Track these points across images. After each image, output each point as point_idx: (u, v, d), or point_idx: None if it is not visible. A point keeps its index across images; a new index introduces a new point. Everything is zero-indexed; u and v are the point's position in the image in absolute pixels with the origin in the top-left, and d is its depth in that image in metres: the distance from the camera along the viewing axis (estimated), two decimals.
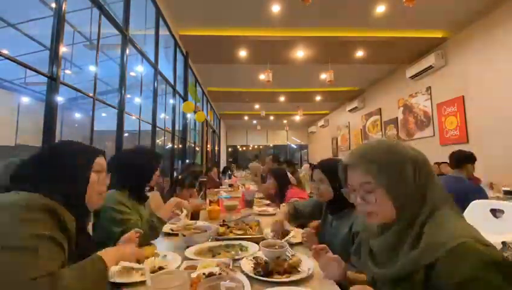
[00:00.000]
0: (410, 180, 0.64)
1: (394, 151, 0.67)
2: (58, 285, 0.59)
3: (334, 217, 1.37)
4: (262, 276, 0.92)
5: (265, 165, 4.01)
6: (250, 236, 1.38)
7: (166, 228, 1.52)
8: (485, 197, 2.22)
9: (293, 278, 0.91)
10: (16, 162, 1.31)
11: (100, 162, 0.89)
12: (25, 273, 0.57)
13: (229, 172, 7.40)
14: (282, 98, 8.53)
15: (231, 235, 1.41)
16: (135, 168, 1.46)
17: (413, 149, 0.69)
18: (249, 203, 2.25)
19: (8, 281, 0.56)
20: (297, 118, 10.82)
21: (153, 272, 0.88)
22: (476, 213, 1.87)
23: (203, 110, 6.73)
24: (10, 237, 0.61)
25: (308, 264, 1.00)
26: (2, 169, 1.39)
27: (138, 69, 3.65)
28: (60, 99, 1.85)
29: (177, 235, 1.43)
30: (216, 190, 3.79)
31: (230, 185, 4.28)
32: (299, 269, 0.97)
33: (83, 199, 0.82)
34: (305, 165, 6.56)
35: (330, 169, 1.33)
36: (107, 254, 0.78)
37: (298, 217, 1.62)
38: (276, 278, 0.90)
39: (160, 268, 0.97)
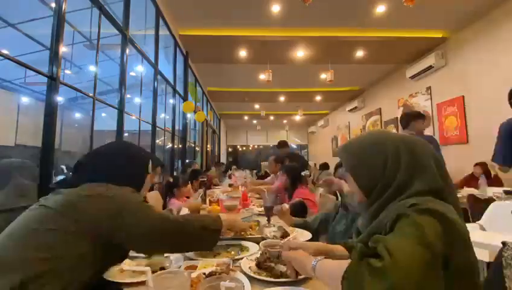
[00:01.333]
0: (378, 168, 0.68)
1: (369, 142, 0.73)
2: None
3: (342, 215, 1.40)
4: (260, 275, 0.92)
5: (268, 166, 3.98)
6: (250, 236, 1.38)
7: None
8: (437, 146, 2.24)
9: (293, 278, 0.90)
10: (10, 164, 1.34)
11: (150, 164, 1.03)
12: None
13: (229, 171, 7.39)
14: (282, 98, 8.53)
15: (231, 235, 1.41)
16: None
17: (398, 141, 0.70)
18: (268, 210, 1.76)
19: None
20: (297, 118, 10.83)
21: (153, 272, 0.88)
22: (496, 214, 1.88)
23: (203, 110, 6.73)
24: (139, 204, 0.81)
25: None
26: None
27: (138, 69, 3.65)
28: (60, 99, 1.85)
29: None
30: (214, 189, 3.76)
31: (230, 185, 4.28)
32: None
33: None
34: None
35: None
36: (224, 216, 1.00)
37: (306, 229, 1.62)
38: (276, 278, 0.90)
39: (162, 268, 0.97)
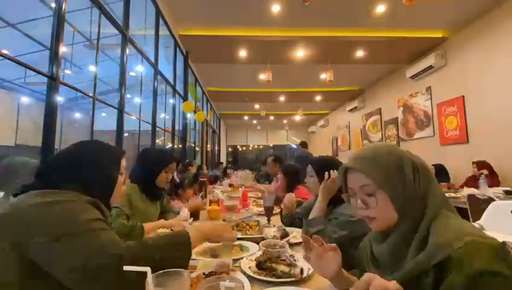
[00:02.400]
0: (411, 183, 0.63)
1: (393, 154, 0.67)
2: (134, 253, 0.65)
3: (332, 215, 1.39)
4: (260, 275, 0.92)
5: (266, 167, 3.95)
6: (250, 236, 1.38)
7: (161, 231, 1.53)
8: None
9: (293, 278, 0.91)
10: (14, 162, 1.30)
11: (123, 163, 0.89)
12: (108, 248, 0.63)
13: (228, 171, 7.40)
14: (282, 98, 8.53)
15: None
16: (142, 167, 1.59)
17: (411, 153, 0.69)
18: (268, 210, 1.78)
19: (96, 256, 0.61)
20: (297, 117, 10.83)
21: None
22: (496, 214, 1.88)
23: (203, 110, 6.73)
24: (74, 224, 0.64)
25: (308, 264, 1.00)
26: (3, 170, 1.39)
27: (138, 69, 3.66)
28: (60, 99, 1.85)
29: None
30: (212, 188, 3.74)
31: (230, 185, 4.27)
32: (299, 268, 0.97)
33: (109, 199, 0.83)
34: None
35: (320, 162, 1.44)
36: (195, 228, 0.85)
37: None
38: (276, 278, 0.90)
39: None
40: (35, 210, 0.64)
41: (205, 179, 2.77)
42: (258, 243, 1.20)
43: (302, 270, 0.94)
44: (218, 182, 4.66)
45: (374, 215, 0.66)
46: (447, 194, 3.30)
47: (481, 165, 3.75)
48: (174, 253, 0.73)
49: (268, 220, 1.70)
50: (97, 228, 0.66)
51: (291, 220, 1.65)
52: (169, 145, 4.84)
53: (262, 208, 2.28)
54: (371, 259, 0.73)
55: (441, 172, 4.29)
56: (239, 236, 1.40)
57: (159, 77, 3.94)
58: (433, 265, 0.55)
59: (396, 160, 0.66)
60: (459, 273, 0.50)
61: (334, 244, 0.77)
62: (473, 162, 3.87)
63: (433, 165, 4.50)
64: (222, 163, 9.77)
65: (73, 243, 0.61)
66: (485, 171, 3.59)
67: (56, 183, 0.72)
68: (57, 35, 1.82)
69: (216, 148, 11.03)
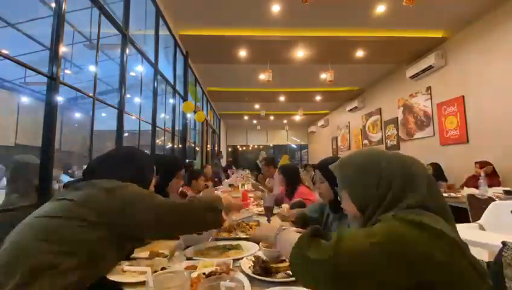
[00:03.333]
0: (371, 188, 0.71)
1: (363, 161, 0.76)
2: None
3: (335, 218, 1.39)
4: (260, 275, 0.92)
5: (263, 170, 3.94)
6: (250, 236, 1.38)
7: None
8: None
9: (293, 278, 0.91)
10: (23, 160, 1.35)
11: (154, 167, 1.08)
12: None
13: (229, 171, 7.39)
14: (282, 98, 8.53)
15: (231, 235, 1.42)
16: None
17: (393, 160, 0.73)
18: (268, 210, 1.80)
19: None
20: (297, 117, 10.83)
21: (154, 271, 0.88)
22: (496, 214, 1.88)
23: (203, 110, 6.73)
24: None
25: None
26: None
27: (138, 69, 3.66)
28: (60, 99, 1.85)
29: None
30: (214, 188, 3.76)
31: (231, 185, 4.28)
32: None
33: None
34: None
35: (329, 169, 1.35)
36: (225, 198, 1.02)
37: (307, 224, 1.62)
38: (276, 278, 0.90)
39: (163, 268, 0.97)
40: (110, 192, 0.77)
41: (190, 166, 2.76)
42: (258, 243, 1.20)
43: None
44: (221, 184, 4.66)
45: (343, 207, 0.80)
46: (445, 194, 3.34)
47: (484, 165, 3.75)
48: (216, 204, 0.94)
49: (269, 220, 1.70)
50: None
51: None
52: (169, 145, 4.84)
53: (262, 208, 2.28)
54: None
55: (438, 171, 4.40)
56: (239, 236, 1.40)
57: (159, 77, 3.94)
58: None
59: (360, 166, 0.75)
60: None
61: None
62: (476, 162, 3.87)
63: (429, 164, 4.56)
64: (221, 152, 9.76)
65: (154, 200, 0.81)
66: (488, 170, 3.58)
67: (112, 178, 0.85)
68: (57, 35, 1.82)
69: (216, 148, 11.03)
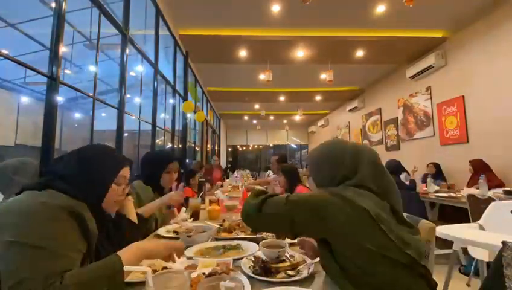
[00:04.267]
0: (325, 172, 0.90)
1: (322, 150, 0.95)
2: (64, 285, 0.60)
3: None
4: (260, 275, 0.92)
5: (272, 167, 3.97)
6: (250, 236, 1.38)
7: (163, 230, 1.53)
8: None
9: (293, 278, 0.91)
10: (11, 164, 1.32)
11: (124, 174, 0.91)
12: (40, 271, 0.61)
13: (229, 171, 7.40)
14: (282, 98, 8.53)
15: (231, 235, 1.41)
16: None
17: (348, 147, 0.90)
18: None
19: (25, 275, 0.59)
20: (297, 117, 10.82)
21: (154, 271, 0.88)
22: (496, 214, 1.88)
23: (203, 110, 6.73)
24: (31, 235, 0.64)
25: (307, 263, 1.00)
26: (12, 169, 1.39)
27: (138, 69, 3.66)
28: (60, 99, 1.85)
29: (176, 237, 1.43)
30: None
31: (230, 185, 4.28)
32: (299, 268, 0.97)
33: (100, 204, 0.86)
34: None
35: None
36: (127, 252, 0.74)
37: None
38: (276, 278, 0.90)
39: (164, 268, 0.97)
40: (5, 212, 0.66)
41: (204, 179, 2.77)
42: (258, 243, 1.20)
43: (301, 270, 0.94)
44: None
45: (308, 187, 1.02)
46: (445, 194, 3.34)
47: (476, 164, 3.76)
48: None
49: None
50: (48, 246, 0.64)
51: None
52: (169, 145, 4.84)
53: None
54: None
55: (437, 171, 4.48)
56: (239, 236, 1.40)
57: (159, 76, 3.94)
58: None
59: (321, 155, 0.94)
60: None
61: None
62: (469, 161, 3.88)
63: (430, 164, 4.58)
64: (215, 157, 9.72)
65: (19, 254, 0.61)
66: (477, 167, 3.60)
67: (50, 182, 0.75)
68: (57, 35, 1.82)
69: (216, 148, 11.03)
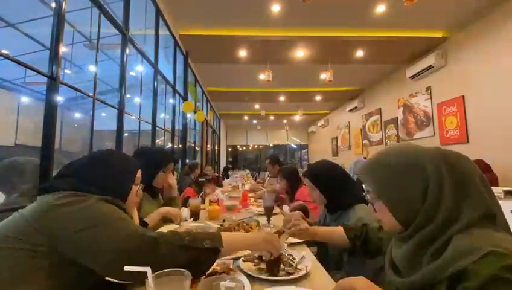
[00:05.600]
0: (417, 199, 0.59)
1: (403, 164, 0.62)
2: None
3: (331, 219, 1.39)
4: (261, 274, 0.92)
5: (268, 170, 3.95)
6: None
7: (163, 230, 1.53)
8: None
9: (292, 276, 0.91)
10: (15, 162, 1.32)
11: (138, 175, 0.96)
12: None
13: (229, 172, 7.40)
14: (282, 98, 8.53)
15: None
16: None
17: (438, 159, 0.60)
18: (268, 210, 1.75)
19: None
20: (297, 117, 10.83)
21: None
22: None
23: (203, 110, 6.73)
24: (104, 216, 0.71)
25: (305, 262, 1.01)
26: (2, 169, 1.39)
27: (138, 69, 3.65)
28: (60, 99, 1.85)
29: None
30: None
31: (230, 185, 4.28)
32: (297, 267, 0.97)
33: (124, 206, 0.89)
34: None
35: (317, 176, 1.41)
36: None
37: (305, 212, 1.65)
38: (275, 277, 0.90)
39: None
40: (68, 208, 0.69)
41: (204, 180, 2.77)
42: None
43: (300, 269, 0.95)
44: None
45: (379, 219, 0.68)
46: None
47: (477, 164, 3.75)
48: (203, 240, 0.74)
49: (269, 220, 1.70)
50: (126, 218, 0.74)
51: None
52: (169, 145, 4.83)
53: (262, 208, 2.28)
54: (390, 263, 0.70)
55: None
56: None
57: (159, 76, 3.94)
58: (448, 276, 0.51)
59: (396, 171, 0.61)
60: (471, 283, 0.47)
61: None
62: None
63: None
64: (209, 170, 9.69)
65: (107, 229, 0.68)
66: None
67: (76, 186, 0.77)
68: (56, 35, 1.82)
69: (216, 148, 11.03)
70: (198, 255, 0.73)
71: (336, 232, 1.12)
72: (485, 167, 3.71)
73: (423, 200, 0.58)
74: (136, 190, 0.94)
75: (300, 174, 2.62)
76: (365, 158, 4.80)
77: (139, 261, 0.63)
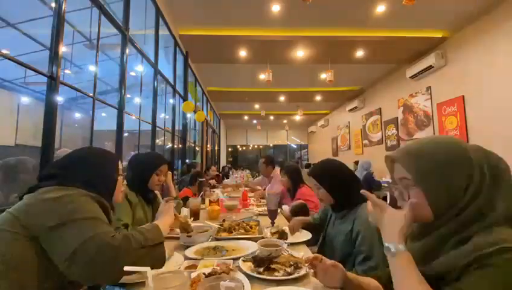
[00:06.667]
0: (459, 190, 0.60)
1: (443, 152, 0.63)
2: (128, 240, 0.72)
3: (336, 217, 1.39)
4: (260, 273, 0.92)
5: (260, 169, 3.94)
6: (250, 236, 1.38)
7: None
8: None
9: (292, 276, 0.91)
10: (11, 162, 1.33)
11: (120, 166, 1.00)
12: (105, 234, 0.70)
13: (229, 172, 7.40)
14: (282, 98, 8.53)
15: (231, 235, 1.42)
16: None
17: (482, 158, 0.62)
18: (273, 214, 1.69)
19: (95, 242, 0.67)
20: (297, 117, 10.83)
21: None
22: None
23: (203, 110, 6.73)
24: (76, 212, 0.71)
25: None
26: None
27: (138, 69, 3.65)
28: (59, 99, 1.85)
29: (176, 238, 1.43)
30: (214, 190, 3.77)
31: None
32: (297, 266, 0.97)
33: (111, 197, 0.94)
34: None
35: (325, 176, 1.38)
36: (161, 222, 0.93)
37: (315, 228, 1.61)
38: (275, 276, 0.90)
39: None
40: (45, 203, 0.71)
41: (203, 179, 2.77)
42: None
43: (300, 269, 0.95)
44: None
45: (410, 206, 0.65)
46: None
47: None
48: (153, 236, 0.81)
49: (273, 223, 1.65)
50: (98, 217, 0.74)
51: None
52: (169, 145, 4.83)
53: (262, 208, 2.27)
54: None
55: None
56: (239, 236, 1.40)
57: (159, 76, 3.94)
58: (466, 263, 0.54)
59: (443, 159, 0.62)
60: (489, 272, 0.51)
61: (333, 261, 0.84)
62: None
63: None
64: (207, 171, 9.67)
65: (74, 228, 0.68)
66: None
67: (62, 182, 0.79)
68: (57, 35, 1.82)
69: (216, 148, 11.03)
70: (153, 252, 0.79)
71: None
72: None
73: (464, 193, 0.60)
74: (121, 179, 0.99)
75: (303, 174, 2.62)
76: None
77: (98, 267, 0.67)
